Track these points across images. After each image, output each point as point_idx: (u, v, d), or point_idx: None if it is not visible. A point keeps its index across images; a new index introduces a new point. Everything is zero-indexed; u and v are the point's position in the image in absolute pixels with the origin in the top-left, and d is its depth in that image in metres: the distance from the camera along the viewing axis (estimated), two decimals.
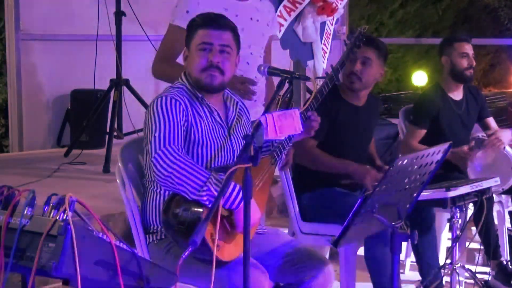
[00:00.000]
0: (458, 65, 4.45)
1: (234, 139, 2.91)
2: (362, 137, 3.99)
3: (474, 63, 4.49)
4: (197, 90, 2.85)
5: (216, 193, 2.56)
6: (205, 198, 2.59)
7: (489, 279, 4.16)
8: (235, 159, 2.87)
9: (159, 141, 2.67)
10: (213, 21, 2.86)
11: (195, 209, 2.61)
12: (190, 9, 3.36)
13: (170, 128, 2.71)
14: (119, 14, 5.85)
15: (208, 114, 2.86)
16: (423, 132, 4.40)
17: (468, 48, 4.49)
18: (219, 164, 2.83)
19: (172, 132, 2.70)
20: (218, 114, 2.89)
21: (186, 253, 2.28)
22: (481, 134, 4.60)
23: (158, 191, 2.83)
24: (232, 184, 2.59)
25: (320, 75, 5.38)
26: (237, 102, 3.01)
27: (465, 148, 4.35)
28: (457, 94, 4.53)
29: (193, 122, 2.80)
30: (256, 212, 2.69)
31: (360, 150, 3.97)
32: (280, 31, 4.96)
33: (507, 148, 4.34)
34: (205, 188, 2.58)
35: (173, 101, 2.77)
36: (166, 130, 2.70)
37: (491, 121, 4.66)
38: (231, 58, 2.87)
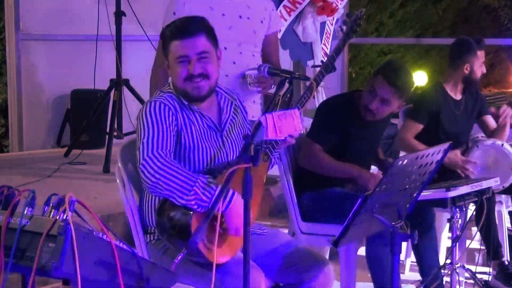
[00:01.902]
0: (476, 73, 4.43)
1: (229, 142, 2.88)
2: (369, 149, 3.94)
3: (485, 70, 4.53)
4: (184, 98, 2.81)
5: (204, 197, 2.56)
6: (193, 203, 2.57)
7: (489, 279, 4.16)
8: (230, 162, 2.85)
9: (147, 148, 2.66)
10: (182, 30, 2.76)
11: (189, 211, 2.60)
12: (176, 10, 3.33)
13: (158, 133, 2.69)
14: (119, 14, 5.86)
15: (198, 119, 2.83)
16: (419, 127, 4.35)
17: (483, 54, 4.51)
18: (214, 168, 2.81)
19: (160, 138, 2.68)
20: (210, 118, 2.85)
21: (180, 256, 2.30)
22: (480, 135, 4.59)
23: None
24: (214, 187, 2.58)
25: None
26: (232, 102, 2.97)
27: (458, 153, 4.31)
28: (458, 94, 4.52)
29: (183, 126, 2.78)
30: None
31: (365, 159, 3.92)
32: (280, 31, 4.95)
33: (507, 147, 4.33)
34: (192, 193, 2.57)
35: (162, 105, 2.75)
36: (154, 136, 2.68)
37: (489, 118, 4.65)
38: (212, 60, 2.80)
